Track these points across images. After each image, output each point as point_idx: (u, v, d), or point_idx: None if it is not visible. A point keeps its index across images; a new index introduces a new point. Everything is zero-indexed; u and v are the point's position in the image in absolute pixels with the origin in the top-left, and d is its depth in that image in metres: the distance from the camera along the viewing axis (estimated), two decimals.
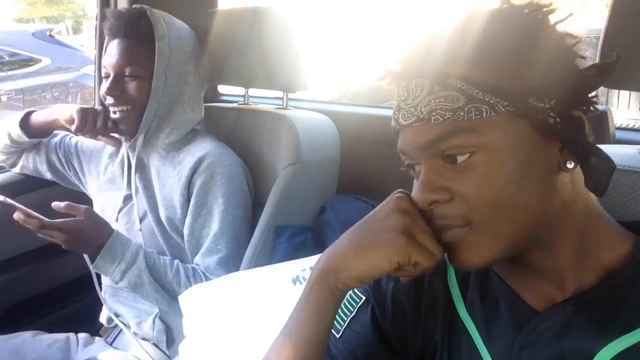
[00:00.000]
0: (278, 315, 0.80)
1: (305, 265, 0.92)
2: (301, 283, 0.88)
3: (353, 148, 1.25)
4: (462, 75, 0.48)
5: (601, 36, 0.66)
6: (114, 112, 1.11)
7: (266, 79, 1.20)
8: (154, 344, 1.14)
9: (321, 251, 0.96)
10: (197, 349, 0.84)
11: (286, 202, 1.11)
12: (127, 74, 1.09)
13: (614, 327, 0.48)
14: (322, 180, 1.20)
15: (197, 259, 1.09)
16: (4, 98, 4.06)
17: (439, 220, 0.51)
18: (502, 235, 0.49)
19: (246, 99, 1.39)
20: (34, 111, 1.24)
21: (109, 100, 1.10)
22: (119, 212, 1.19)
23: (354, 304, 0.64)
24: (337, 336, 0.63)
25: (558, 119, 0.47)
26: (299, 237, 1.10)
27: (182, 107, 1.14)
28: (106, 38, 1.15)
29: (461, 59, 0.48)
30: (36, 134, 1.24)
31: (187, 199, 1.11)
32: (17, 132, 1.21)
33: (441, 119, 0.48)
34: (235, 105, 1.38)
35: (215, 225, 1.08)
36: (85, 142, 1.29)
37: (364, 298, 0.64)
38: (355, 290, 0.65)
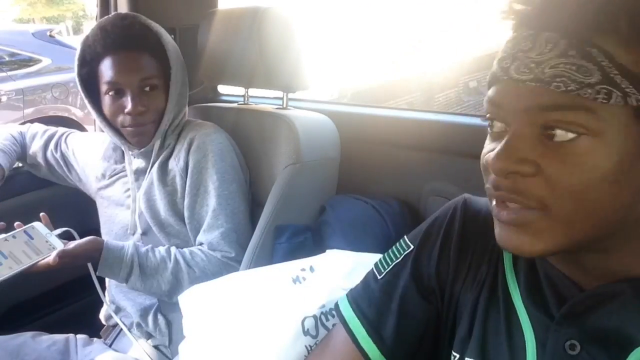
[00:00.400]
0: (278, 315, 0.80)
1: (305, 265, 0.92)
2: (301, 283, 0.88)
3: (353, 148, 1.25)
4: (606, 49, 0.41)
5: None
6: (138, 130, 1.09)
7: (266, 79, 1.20)
8: (154, 346, 1.14)
9: (321, 251, 0.97)
10: (197, 349, 0.84)
11: (286, 202, 1.11)
12: (146, 87, 1.08)
13: None
14: (322, 180, 1.20)
15: (200, 237, 1.10)
16: (4, 98, 4.05)
17: (509, 192, 0.46)
18: (573, 230, 0.45)
19: (246, 99, 1.38)
20: None
21: (133, 120, 1.07)
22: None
23: (402, 250, 0.67)
24: (379, 277, 0.66)
25: None
26: (299, 237, 1.10)
27: (183, 109, 1.17)
28: (101, 52, 1.07)
29: (612, 30, 0.41)
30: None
31: (185, 180, 1.13)
32: None
33: (564, 87, 0.42)
34: (235, 105, 1.38)
35: (212, 201, 1.09)
36: (75, 145, 1.29)
37: (412, 247, 0.66)
38: (406, 238, 0.67)
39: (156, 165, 1.15)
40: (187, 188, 1.11)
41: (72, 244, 1.00)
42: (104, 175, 1.23)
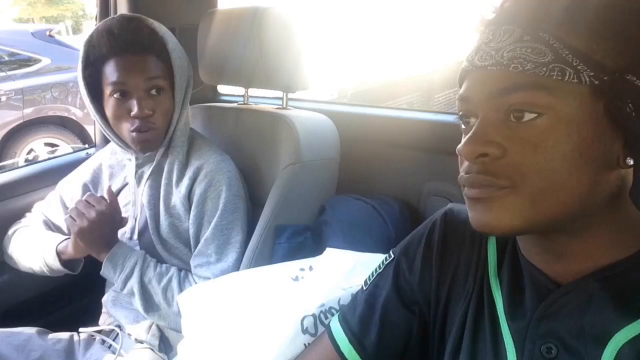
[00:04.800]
0: (277, 313, 0.80)
1: (305, 265, 0.92)
2: (301, 283, 0.88)
3: (353, 148, 1.25)
4: (556, 33, 0.45)
5: None
6: (145, 136, 1.06)
7: (266, 79, 1.20)
8: (151, 349, 1.14)
9: (321, 251, 0.97)
10: (196, 349, 0.84)
11: (286, 202, 1.11)
12: (153, 91, 1.05)
13: (636, 309, 0.47)
14: (322, 180, 1.20)
15: (191, 260, 1.11)
16: (3, 98, 4.06)
17: (481, 174, 0.48)
18: (540, 207, 0.47)
19: (246, 99, 1.39)
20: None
21: (140, 123, 1.04)
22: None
23: (384, 261, 0.70)
24: (364, 288, 0.70)
25: (633, 110, 0.44)
26: (298, 237, 1.10)
27: (186, 112, 1.15)
28: (106, 54, 1.05)
29: (559, 18, 0.45)
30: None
31: (188, 209, 1.11)
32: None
33: (521, 68, 0.45)
34: (235, 105, 1.38)
35: (208, 230, 1.09)
36: (72, 187, 1.26)
37: (393, 257, 0.68)
38: (391, 250, 0.70)
39: (164, 181, 1.14)
40: (192, 217, 1.10)
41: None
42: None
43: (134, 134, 1.05)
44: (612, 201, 0.49)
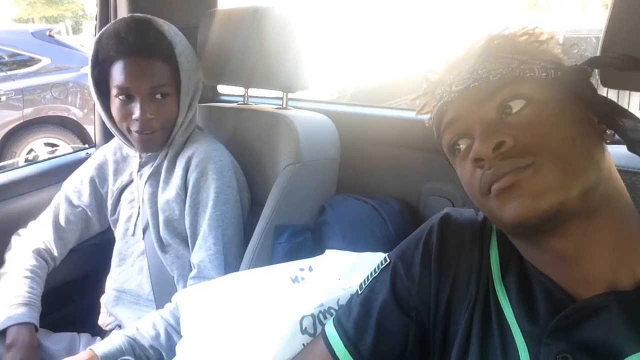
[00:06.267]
0: (276, 313, 0.80)
1: (304, 266, 0.92)
2: (299, 283, 0.88)
3: (353, 148, 1.25)
4: (515, 56, 0.54)
5: (601, 36, 0.66)
6: (146, 137, 1.08)
7: (266, 78, 1.20)
8: None
9: (321, 251, 0.97)
10: (195, 349, 0.84)
11: (286, 202, 1.11)
12: (156, 95, 1.06)
13: None
14: (322, 180, 1.20)
15: (192, 258, 1.10)
16: (3, 98, 4.06)
17: (505, 159, 0.50)
18: (571, 173, 0.49)
19: (246, 98, 1.38)
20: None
21: (141, 125, 1.05)
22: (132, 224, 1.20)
23: (380, 265, 0.69)
24: (359, 292, 0.69)
25: (592, 92, 0.53)
26: (298, 237, 1.10)
27: (192, 112, 1.15)
28: (113, 55, 1.06)
29: (514, 49, 0.56)
30: None
31: (184, 199, 1.11)
32: None
33: (499, 75, 0.53)
34: (235, 105, 1.38)
35: (204, 222, 1.08)
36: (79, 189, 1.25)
37: (389, 261, 0.67)
38: (386, 254, 0.70)
39: (163, 179, 1.14)
40: (187, 208, 1.10)
41: None
42: (112, 197, 1.24)
43: (134, 135, 1.08)
44: (611, 186, 0.53)
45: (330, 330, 0.68)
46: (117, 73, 1.05)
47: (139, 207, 1.18)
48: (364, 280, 0.70)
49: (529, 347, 0.53)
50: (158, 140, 1.11)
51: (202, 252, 1.08)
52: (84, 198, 1.25)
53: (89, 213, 1.26)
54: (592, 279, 0.51)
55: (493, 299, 0.58)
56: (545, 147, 0.50)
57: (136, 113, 1.04)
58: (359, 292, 0.69)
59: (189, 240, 1.12)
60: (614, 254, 0.51)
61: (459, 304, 0.61)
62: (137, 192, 1.18)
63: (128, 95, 1.06)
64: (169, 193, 1.13)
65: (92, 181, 1.25)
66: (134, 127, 1.07)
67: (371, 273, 0.70)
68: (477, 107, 0.54)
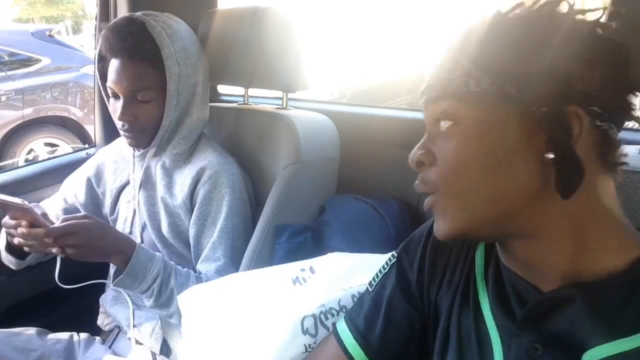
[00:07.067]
0: (277, 314, 0.80)
1: (305, 266, 0.92)
2: (301, 284, 0.88)
3: (353, 148, 1.25)
4: (468, 56, 0.52)
5: None
6: (129, 137, 1.10)
7: (266, 79, 1.20)
8: (152, 351, 1.14)
9: (321, 251, 0.97)
10: (196, 349, 0.84)
11: (286, 202, 1.11)
12: (139, 98, 1.06)
13: (613, 328, 0.48)
14: (322, 180, 1.20)
15: (198, 266, 1.10)
16: (3, 98, 4.06)
17: (420, 183, 0.56)
18: (468, 209, 0.52)
19: (246, 98, 1.38)
20: None
21: (123, 125, 1.08)
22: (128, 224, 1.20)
23: (389, 262, 0.72)
24: (370, 290, 0.72)
25: (545, 110, 0.48)
26: (298, 237, 1.10)
27: (190, 119, 1.13)
28: (107, 54, 1.09)
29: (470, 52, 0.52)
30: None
31: (190, 209, 1.11)
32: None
33: (439, 85, 0.53)
34: (234, 105, 1.38)
35: (214, 234, 1.08)
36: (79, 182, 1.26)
37: (397, 256, 0.71)
38: (394, 251, 0.72)
39: (159, 179, 1.15)
40: (194, 218, 1.10)
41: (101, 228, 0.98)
42: (115, 193, 1.24)
43: (121, 131, 1.11)
44: (550, 202, 0.49)
45: (341, 326, 0.71)
46: (110, 72, 1.08)
47: (135, 209, 1.18)
48: (374, 278, 0.73)
49: (502, 338, 0.55)
50: (142, 141, 1.12)
51: (209, 262, 1.08)
52: (80, 197, 1.25)
53: (82, 212, 1.26)
54: (554, 275, 0.52)
55: (473, 292, 0.60)
56: (451, 180, 0.52)
57: (117, 112, 1.07)
58: (370, 290, 0.72)
59: (192, 250, 1.12)
60: (574, 246, 0.51)
61: (443, 295, 0.64)
62: (134, 193, 1.18)
63: (115, 95, 1.08)
64: (174, 199, 1.13)
65: (88, 181, 1.25)
66: (118, 126, 1.10)
67: (380, 270, 0.73)
68: (425, 116, 0.57)
